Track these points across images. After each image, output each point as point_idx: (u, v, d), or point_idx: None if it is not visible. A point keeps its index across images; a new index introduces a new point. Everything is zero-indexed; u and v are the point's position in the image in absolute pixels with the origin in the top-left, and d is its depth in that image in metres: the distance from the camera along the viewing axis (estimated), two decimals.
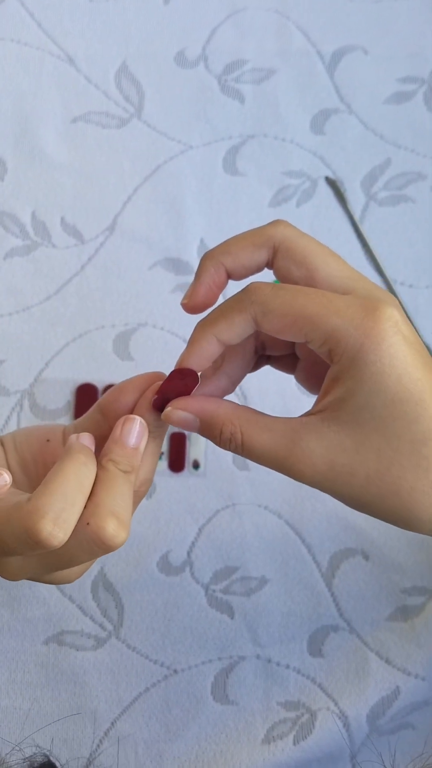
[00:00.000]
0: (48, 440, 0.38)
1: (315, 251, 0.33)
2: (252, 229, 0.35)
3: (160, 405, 0.35)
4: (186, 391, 0.34)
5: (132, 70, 0.61)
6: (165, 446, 0.54)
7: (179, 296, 0.57)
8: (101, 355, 0.56)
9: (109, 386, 0.55)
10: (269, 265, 0.35)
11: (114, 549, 0.31)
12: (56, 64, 0.61)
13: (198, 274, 0.35)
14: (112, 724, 0.51)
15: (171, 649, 0.52)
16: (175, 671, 0.52)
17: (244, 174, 0.59)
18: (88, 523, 0.31)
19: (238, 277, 0.35)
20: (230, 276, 0.35)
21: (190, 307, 0.36)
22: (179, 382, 0.34)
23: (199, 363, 0.34)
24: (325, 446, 0.31)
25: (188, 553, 0.53)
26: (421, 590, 0.53)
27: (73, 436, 0.34)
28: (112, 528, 0.31)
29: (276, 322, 0.31)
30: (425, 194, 0.59)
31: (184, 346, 0.55)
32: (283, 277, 0.34)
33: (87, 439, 0.34)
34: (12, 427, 0.54)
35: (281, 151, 0.60)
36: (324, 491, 0.32)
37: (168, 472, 0.54)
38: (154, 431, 0.35)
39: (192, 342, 0.34)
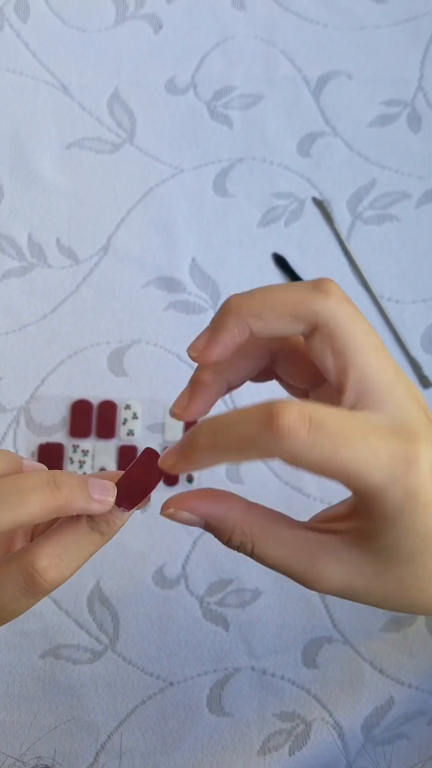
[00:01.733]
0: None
1: (359, 344, 0.28)
2: (294, 287, 0.29)
3: (123, 499, 0.31)
4: (150, 484, 0.31)
5: (124, 98, 0.62)
6: None
7: (172, 314, 0.58)
8: (96, 372, 0.56)
9: (104, 402, 0.55)
10: (304, 336, 0.30)
11: (41, 589, 0.29)
12: (51, 92, 0.62)
13: (217, 327, 0.30)
14: (109, 736, 0.51)
15: (167, 662, 0.52)
16: (171, 683, 0.52)
17: (233, 195, 0.60)
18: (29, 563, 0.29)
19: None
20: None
21: (199, 360, 0.31)
22: (144, 474, 0.31)
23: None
24: (345, 571, 0.29)
25: (183, 566, 0.53)
26: None
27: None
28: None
29: (309, 468, 0.26)
30: (410, 213, 0.60)
31: (177, 362, 0.56)
32: (313, 355, 0.30)
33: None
34: (8, 443, 0.55)
35: (269, 174, 0.61)
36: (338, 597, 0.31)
37: (162, 485, 0.54)
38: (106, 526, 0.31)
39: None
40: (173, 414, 0.32)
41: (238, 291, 0.58)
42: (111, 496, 0.30)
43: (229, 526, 0.30)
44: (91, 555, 0.31)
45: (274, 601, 0.53)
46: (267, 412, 0.25)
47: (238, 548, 0.30)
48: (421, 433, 0.27)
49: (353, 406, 0.28)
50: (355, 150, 0.61)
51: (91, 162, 0.61)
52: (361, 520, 0.28)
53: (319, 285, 0.29)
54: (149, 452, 0.31)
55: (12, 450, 0.55)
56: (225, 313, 0.29)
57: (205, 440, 0.27)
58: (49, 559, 0.29)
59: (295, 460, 0.26)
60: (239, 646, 0.52)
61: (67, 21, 0.64)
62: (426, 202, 0.60)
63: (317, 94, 0.62)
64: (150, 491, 0.31)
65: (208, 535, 0.54)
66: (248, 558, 0.53)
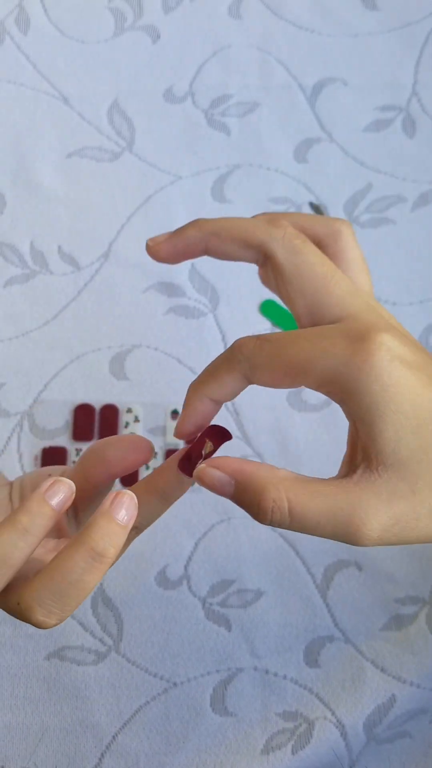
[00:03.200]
0: (50, 475, 0.37)
1: (303, 274, 0.30)
2: (255, 219, 0.32)
3: (184, 466, 0.31)
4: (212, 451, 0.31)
5: (123, 107, 0.62)
6: (161, 462, 0.55)
7: (172, 318, 0.58)
8: (98, 376, 0.56)
9: (106, 406, 0.55)
10: (257, 264, 0.32)
11: (40, 627, 0.29)
12: (51, 102, 0.62)
13: (178, 232, 0.33)
14: (114, 737, 0.51)
15: (170, 662, 0.52)
16: (175, 684, 0.51)
17: (231, 201, 0.60)
18: (18, 603, 0.29)
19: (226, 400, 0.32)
20: (218, 401, 0.31)
21: (151, 252, 0.33)
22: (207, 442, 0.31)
23: (195, 425, 0.31)
24: (385, 499, 0.27)
25: (185, 567, 0.53)
26: (413, 599, 0.53)
27: (46, 482, 0.30)
28: (40, 616, 0.29)
29: (267, 377, 0.29)
30: (405, 216, 0.60)
31: (178, 365, 0.56)
32: (265, 284, 0.33)
33: (61, 494, 0.30)
34: (12, 447, 0.55)
35: (266, 179, 0.61)
36: (388, 545, 0.29)
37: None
38: (170, 494, 0.31)
39: (186, 405, 0.31)
40: (174, 435, 0.33)
41: (237, 295, 0.58)
42: (134, 508, 0.30)
43: (260, 483, 0.28)
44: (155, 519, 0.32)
45: (276, 601, 0.53)
46: (231, 348, 0.30)
47: (272, 512, 0.28)
48: (377, 324, 0.28)
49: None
50: (351, 155, 0.61)
51: (91, 170, 0.61)
52: (360, 437, 0.28)
53: (275, 220, 0.31)
54: (216, 427, 0.32)
55: (16, 454, 0.55)
56: (190, 224, 0.32)
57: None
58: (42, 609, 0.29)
59: (253, 370, 0.29)
60: (242, 647, 0.52)
61: (66, 33, 0.64)
62: (421, 206, 0.60)
63: (313, 100, 0.63)
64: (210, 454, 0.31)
65: (210, 536, 0.54)
66: (250, 558, 0.52)
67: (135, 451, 0.33)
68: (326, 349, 0.28)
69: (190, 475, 0.31)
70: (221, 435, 0.31)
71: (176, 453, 0.32)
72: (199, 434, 0.31)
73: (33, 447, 0.55)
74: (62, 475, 0.37)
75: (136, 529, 0.32)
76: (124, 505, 0.29)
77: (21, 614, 0.29)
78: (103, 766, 0.50)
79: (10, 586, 0.30)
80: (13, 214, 0.60)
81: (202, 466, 0.29)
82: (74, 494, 0.30)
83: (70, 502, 0.30)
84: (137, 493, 0.30)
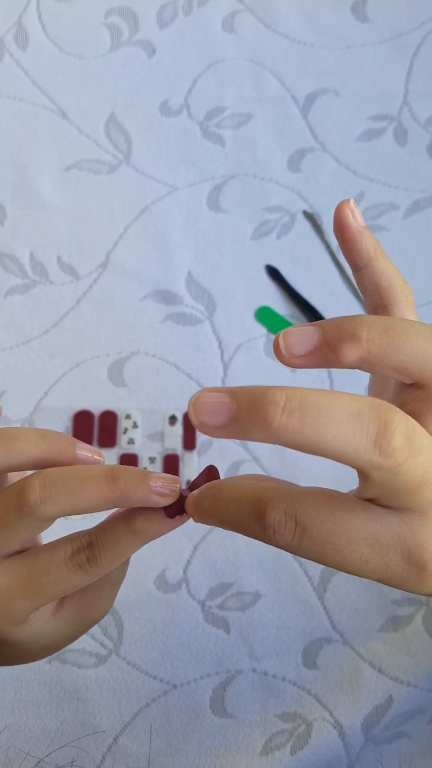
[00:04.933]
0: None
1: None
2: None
3: (174, 510, 0.29)
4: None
5: (120, 120, 0.63)
6: (159, 467, 0.55)
7: (170, 325, 0.58)
8: (97, 383, 0.57)
9: (105, 412, 0.56)
10: None
11: (30, 508, 0.27)
12: (50, 117, 0.63)
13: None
14: (115, 739, 0.51)
15: (170, 665, 0.52)
16: (175, 686, 0.52)
17: (227, 211, 0.61)
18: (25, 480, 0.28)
19: None
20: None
21: (282, 360, 0.26)
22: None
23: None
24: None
25: (184, 571, 0.53)
26: (410, 601, 0.53)
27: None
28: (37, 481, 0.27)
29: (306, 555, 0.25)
30: (398, 223, 0.60)
31: (175, 371, 0.57)
32: None
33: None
34: None
35: (261, 189, 0.61)
36: None
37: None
38: (145, 531, 0.29)
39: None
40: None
41: (233, 302, 0.59)
42: (174, 487, 0.28)
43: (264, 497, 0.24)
44: (127, 554, 0.29)
45: (274, 603, 0.53)
46: (257, 502, 0.24)
47: (279, 531, 0.24)
48: None
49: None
50: (344, 164, 0.62)
51: (89, 182, 0.62)
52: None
53: (384, 433, 0.23)
54: (212, 469, 0.30)
55: None
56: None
57: (208, 506, 0.26)
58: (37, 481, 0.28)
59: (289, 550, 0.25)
60: (240, 649, 0.52)
61: (64, 49, 0.65)
62: (413, 213, 0.61)
63: (306, 111, 0.63)
64: None
65: (209, 540, 0.54)
66: (248, 561, 0.53)
67: (168, 524, 0.30)
68: (384, 565, 0.24)
69: (170, 515, 0.29)
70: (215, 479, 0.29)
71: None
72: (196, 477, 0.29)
73: None
74: None
75: (90, 552, 0.29)
76: (164, 481, 0.28)
77: (19, 484, 0.28)
78: None
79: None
80: (14, 225, 0.61)
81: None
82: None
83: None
84: (114, 520, 0.29)
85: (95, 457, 0.30)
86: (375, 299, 0.30)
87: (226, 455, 0.55)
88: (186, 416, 0.56)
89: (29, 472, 0.30)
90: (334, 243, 0.60)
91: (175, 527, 0.29)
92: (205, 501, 0.27)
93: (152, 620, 0.52)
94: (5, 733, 0.51)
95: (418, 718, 0.51)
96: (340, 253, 0.60)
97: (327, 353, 0.24)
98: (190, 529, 0.54)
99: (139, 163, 0.62)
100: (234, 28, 0.65)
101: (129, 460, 0.55)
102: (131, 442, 0.55)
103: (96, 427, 0.56)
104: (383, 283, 0.30)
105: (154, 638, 0.52)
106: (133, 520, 0.29)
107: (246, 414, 0.22)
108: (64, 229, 0.60)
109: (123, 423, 0.56)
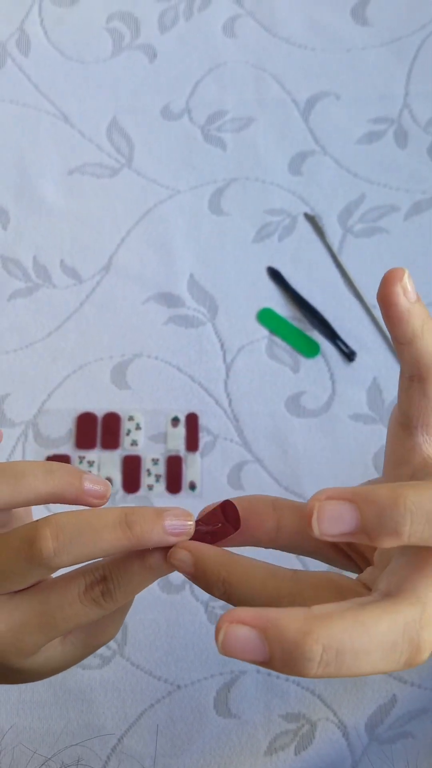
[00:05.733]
0: None
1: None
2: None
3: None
4: (224, 535, 0.29)
5: (122, 124, 0.63)
6: (162, 469, 0.55)
7: (172, 328, 0.58)
8: (100, 385, 0.57)
9: (108, 414, 0.56)
10: None
11: (44, 560, 0.27)
12: (52, 121, 0.63)
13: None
14: (119, 740, 0.51)
15: (174, 666, 0.52)
16: (179, 687, 0.52)
17: (228, 214, 0.61)
18: (36, 521, 0.27)
19: None
20: None
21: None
22: (219, 524, 0.28)
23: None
24: None
25: None
26: None
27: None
28: (48, 532, 0.27)
29: None
30: (398, 225, 0.60)
31: (177, 373, 0.57)
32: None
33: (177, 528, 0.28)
34: (17, 456, 0.55)
35: (262, 192, 0.61)
36: None
37: (166, 493, 0.54)
38: (157, 569, 0.28)
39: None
40: None
41: (235, 304, 0.59)
42: (189, 522, 0.28)
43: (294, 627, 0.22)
44: (141, 588, 0.29)
45: None
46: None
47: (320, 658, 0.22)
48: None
49: None
50: (344, 167, 0.62)
51: (92, 186, 0.62)
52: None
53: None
54: (228, 504, 0.30)
55: None
56: None
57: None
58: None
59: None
60: None
61: (66, 54, 0.65)
62: (413, 215, 0.61)
63: (306, 114, 0.63)
64: (219, 540, 0.29)
65: None
66: None
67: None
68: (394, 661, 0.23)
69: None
70: (234, 520, 0.29)
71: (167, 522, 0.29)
72: (205, 513, 0.29)
73: (37, 455, 0.55)
74: None
75: (104, 587, 0.29)
76: (178, 520, 0.27)
77: (29, 533, 0.27)
78: None
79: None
80: (17, 229, 0.61)
81: (224, 627, 0.22)
82: (106, 499, 0.29)
83: (99, 502, 0.29)
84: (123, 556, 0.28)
85: (102, 488, 0.29)
86: (412, 370, 0.29)
87: (229, 456, 0.55)
88: (188, 417, 0.56)
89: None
90: (335, 245, 0.60)
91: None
92: (216, 591, 0.27)
93: (156, 621, 0.52)
94: (10, 734, 0.51)
95: (423, 717, 0.51)
96: (341, 254, 0.60)
97: (362, 538, 0.23)
98: None
99: (141, 167, 0.62)
100: (235, 32, 0.65)
101: (132, 461, 0.55)
102: (134, 443, 0.55)
103: (99, 429, 0.56)
104: (425, 360, 0.28)
105: (158, 639, 0.52)
106: (149, 557, 0.28)
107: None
108: (67, 233, 0.61)
109: (126, 425, 0.56)
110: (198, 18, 0.66)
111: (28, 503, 0.29)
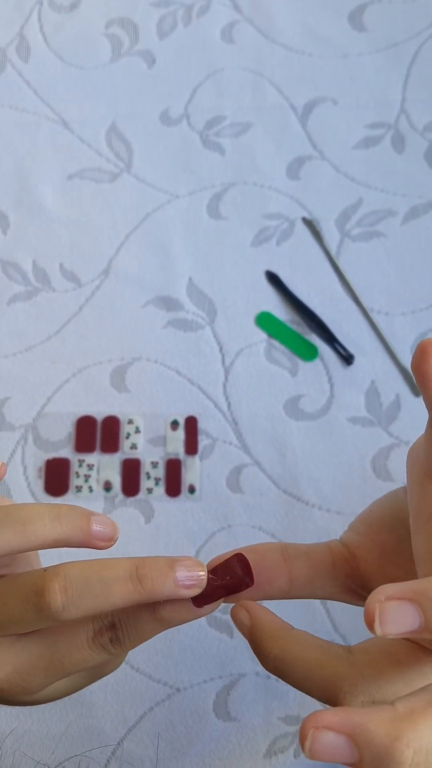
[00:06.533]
0: None
1: None
2: None
3: (200, 598, 0.28)
4: (236, 587, 0.29)
5: (121, 130, 0.63)
6: (161, 472, 0.55)
7: (171, 331, 0.58)
8: (99, 389, 0.57)
9: (107, 418, 0.56)
10: None
11: (52, 613, 0.27)
12: (52, 126, 0.63)
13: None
14: (119, 743, 0.50)
15: (173, 669, 0.52)
16: (178, 690, 0.51)
17: (226, 218, 0.61)
18: (44, 570, 0.27)
19: None
20: None
21: None
22: (231, 577, 0.28)
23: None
24: None
25: None
26: None
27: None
28: (57, 585, 0.27)
29: None
30: (396, 229, 0.61)
31: (177, 377, 0.57)
32: None
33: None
34: (17, 459, 0.55)
35: (260, 196, 0.62)
36: None
37: (165, 497, 0.54)
38: (172, 619, 0.28)
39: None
40: None
41: (234, 308, 0.59)
42: (201, 573, 0.27)
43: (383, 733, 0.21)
44: (150, 637, 0.29)
45: (276, 606, 0.52)
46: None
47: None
48: None
49: None
50: (342, 171, 0.62)
51: (91, 191, 0.62)
52: None
53: None
54: (240, 557, 0.29)
55: (20, 466, 0.55)
56: None
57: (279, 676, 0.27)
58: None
59: None
60: (243, 652, 0.52)
61: (66, 59, 0.65)
62: (411, 219, 0.61)
63: (304, 120, 0.63)
64: (232, 593, 0.29)
65: (211, 544, 0.54)
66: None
67: (196, 612, 0.29)
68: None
69: (198, 605, 0.28)
70: (247, 574, 0.28)
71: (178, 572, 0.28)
72: (222, 562, 0.29)
73: (37, 459, 0.55)
74: None
75: (113, 634, 0.28)
76: (191, 571, 0.27)
77: (37, 583, 0.27)
78: None
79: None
80: (17, 233, 0.61)
81: (311, 733, 0.22)
82: (113, 542, 0.29)
83: (105, 545, 0.29)
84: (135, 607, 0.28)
85: (110, 530, 0.29)
86: None
87: (228, 459, 0.55)
88: (187, 421, 0.56)
89: None
90: (333, 249, 0.60)
91: (203, 615, 0.28)
92: (268, 665, 0.27)
93: None
94: (11, 738, 0.50)
95: None
96: (339, 258, 0.60)
97: (426, 636, 0.22)
98: (193, 532, 0.54)
99: (140, 172, 0.62)
100: (233, 38, 0.66)
101: (131, 464, 0.55)
102: (134, 446, 0.55)
103: (99, 432, 0.56)
104: None
105: (158, 642, 0.52)
106: (159, 610, 0.28)
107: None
108: (66, 237, 0.61)
109: (125, 428, 0.56)
110: (196, 24, 0.66)
111: (35, 549, 0.28)
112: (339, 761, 0.21)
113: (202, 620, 0.52)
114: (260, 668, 0.51)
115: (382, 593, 0.22)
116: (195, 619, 0.28)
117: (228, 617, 0.52)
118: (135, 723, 0.51)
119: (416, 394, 0.57)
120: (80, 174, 0.62)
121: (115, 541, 0.29)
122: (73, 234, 0.61)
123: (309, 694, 0.26)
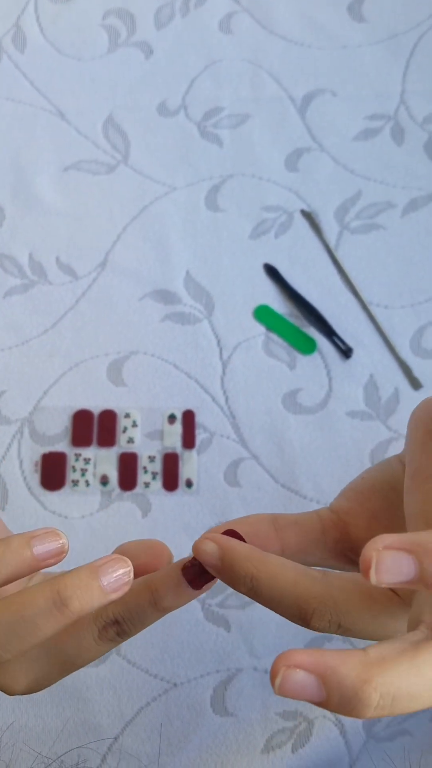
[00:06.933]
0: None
1: None
2: None
3: (190, 573, 0.28)
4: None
5: (118, 121, 0.63)
6: (159, 466, 0.54)
7: (168, 325, 0.58)
8: (96, 383, 0.56)
9: (104, 411, 0.55)
10: None
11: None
12: (48, 118, 0.63)
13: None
14: (116, 738, 0.50)
15: (170, 664, 0.51)
16: (175, 685, 0.51)
17: (225, 210, 0.61)
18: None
19: None
20: None
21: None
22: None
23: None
24: None
25: None
26: None
27: (40, 529, 0.28)
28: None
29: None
30: (395, 221, 0.60)
31: (174, 371, 0.56)
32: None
33: (49, 545, 0.27)
34: (13, 453, 0.55)
35: (259, 188, 0.61)
36: None
37: (162, 491, 0.54)
38: (166, 604, 0.28)
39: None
40: None
41: (232, 301, 0.58)
42: (126, 569, 0.27)
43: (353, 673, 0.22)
44: (152, 623, 0.29)
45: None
46: (300, 610, 0.25)
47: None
48: None
49: None
50: (341, 163, 0.62)
51: (88, 183, 0.61)
52: None
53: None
54: (232, 533, 0.29)
55: (16, 460, 0.55)
56: None
57: (246, 592, 0.27)
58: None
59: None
60: (241, 647, 0.52)
61: (62, 50, 0.64)
62: (410, 211, 0.60)
63: (303, 111, 0.63)
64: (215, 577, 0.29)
65: None
66: None
67: (150, 555, 0.30)
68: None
69: (195, 587, 0.28)
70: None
71: (180, 561, 0.29)
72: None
73: (33, 453, 0.55)
74: None
75: (119, 628, 0.28)
76: (115, 573, 0.26)
77: None
78: (106, 766, 0.49)
79: None
80: (13, 226, 0.60)
81: (282, 671, 0.22)
82: (64, 553, 0.27)
83: (56, 560, 0.27)
84: (132, 587, 0.27)
85: (55, 545, 0.27)
86: None
87: (226, 453, 0.55)
88: (185, 414, 0.55)
89: None
90: (332, 242, 0.60)
91: (202, 594, 0.29)
92: (242, 587, 0.26)
93: None
94: (8, 732, 0.50)
95: (420, 715, 0.50)
96: (338, 251, 0.59)
97: (419, 587, 0.22)
98: (190, 527, 0.53)
99: (138, 164, 0.62)
100: (231, 29, 0.65)
101: (128, 459, 0.54)
102: (131, 441, 0.55)
103: (95, 426, 0.55)
104: None
105: (155, 637, 0.52)
106: (161, 601, 0.28)
107: None
108: (63, 230, 0.60)
109: (122, 422, 0.55)
110: (194, 15, 0.65)
111: None
112: (305, 699, 0.22)
113: (199, 614, 0.52)
114: (257, 663, 0.51)
115: (380, 542, 0.22)
116: (194, 599, 0.29)
117: (225, 611, 0.52)
118: (132, 718, 0.50)
119: (415, 387, 0.56)
120: (77, 166, 0.62)
121: (66, 549, 0.28)
122: (69, 226, 0.60)
123: (281, 614, 0.26)
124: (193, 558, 0.28)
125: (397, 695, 0.21)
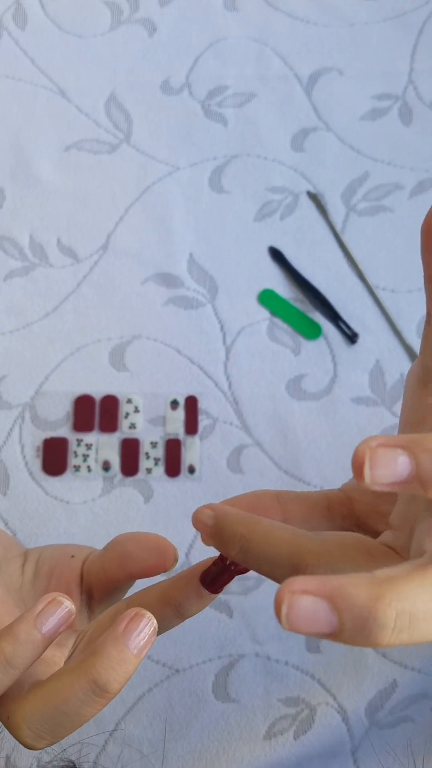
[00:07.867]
0: (72, 556, 0.34)
1: None
2: None
3: (206, 579, 0.28)
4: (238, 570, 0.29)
5: (120, 100, 0.61)
6: (161, 452, 0.54)
7: (171, 309, 0.56)
8: (98, 367, 0.55)
9: (106, 397, 0.54)
10: None
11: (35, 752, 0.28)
12: (49, 96, 0.61)
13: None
14: (117, 724, 0.50)
15: (172, 650, 0.51)
16: (177, 671, 0.50)
17: (229, 191, 0.59)
18: (8, 718, 0.26)
19: None
20: None
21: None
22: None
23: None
24: None
25: (186, 555, 0.52)
26: None
27: (41, 602, 0.27)
28: (28, 739, 0.26)
29: None
30: (403, 203, 0.58)
31: (177, 355, 0.55)
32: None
33: (55, 618, 0.27)
34: (15, 438, 0.54)
35: (264, 169, 0.59)
36: None
37: (164, 477, 0.53)
38: (186, 609, 0.28)
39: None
40: None
41: (236, 285, 0.57)
42: (151, 629, 0.26)
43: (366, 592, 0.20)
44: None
45: (276, 587, 0.52)
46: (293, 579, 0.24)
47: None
48: None
49: None
50: (348, 143, 0.60)
51: (89, 163, 0.60)
52: None
53: None
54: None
55: (18, 445, 0.54)
56: None
57: (236, 557, 0.26)
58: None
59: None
60: (243, 633, 0.51)
61: (63, 27, 0.63)
62: (418, 193, 0.59)
63: (309, 90, 0.61)
64: (241, 572, 0.29)
65: None
66: None
67: (156, 556, 0.30)
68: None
69: (214, 591, 0.28)
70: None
71: (197, 565, 0.28)
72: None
73: (35, 438, 0.54)
74: (87, 557, 0.34)
75: (153, 636, 0.28)
76: (140, 632, 0.25)
77: (9, 729, 0.26)
78: (107, 753, 0.49)
79: (3, 695, 0.27)
80: (13, 207, 0.59)
81: (287, 598, 0.19)
82: (72, 617, 0.26)
83: (66, 627, 0.26)
84: (149, 602, 0.27)
85: (60, 616, 0.26)
86: None
87: (229, 440, 0.54)
88: (188, 400, 0.54)
89: None
90: (338, 224, 0.58)
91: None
92: (232, 549, 0.25)
93: None
94: None
95: (422, 702, 0.50)
96: (344, 234, 0.58)
97: (415, 488, 0.21)
98: (192, 513, 0.52)
99: (140, 143, 0.60)
100: (236, 6, 0.63)
101: (130, 444, 0.54)
102: (133, 426, 0.54)
103: (97, 412, 0.54)
104: None
105: None
106: (185, 612, 0.28)
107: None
108: (64, 211, 0.59)
109: (124, 407, 0.54)
110: None
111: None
112: (318, 631, 0.19)
113: None
114: (260, 649, 0.51)
115: (373, 440, 0.20)
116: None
117: (228, 597, 0.51)
118: (133, 704, 0.50)
119: None
120: (78, 145, 0.60)
121: (73, 612, 0.27)
122: (70, 207, 0.59)
123: (274, 577, 0.24)
124: (213, 563, 0.28)
125: (413, 613, 0.19)
